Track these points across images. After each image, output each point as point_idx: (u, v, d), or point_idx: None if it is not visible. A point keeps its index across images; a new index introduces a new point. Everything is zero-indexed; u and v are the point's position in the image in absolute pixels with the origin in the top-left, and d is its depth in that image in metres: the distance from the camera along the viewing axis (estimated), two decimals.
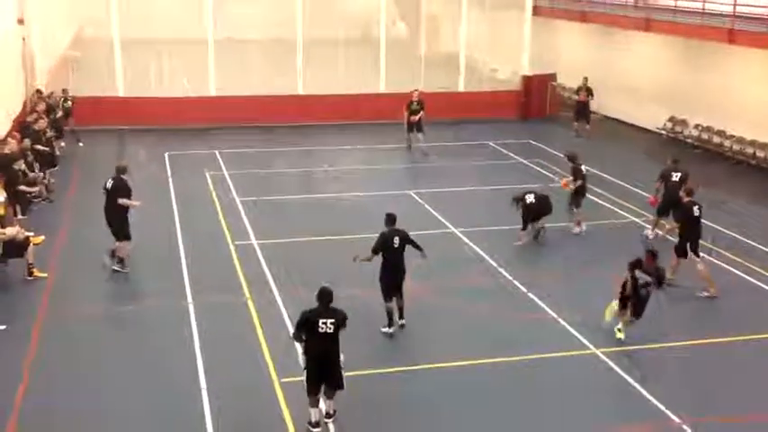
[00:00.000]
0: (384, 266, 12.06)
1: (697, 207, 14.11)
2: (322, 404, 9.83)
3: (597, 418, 10.30)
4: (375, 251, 11.98)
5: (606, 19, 28.39)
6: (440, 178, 21.14)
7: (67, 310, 12.86)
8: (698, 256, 14.03)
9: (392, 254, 12.01)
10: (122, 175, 14.15)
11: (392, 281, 12.08)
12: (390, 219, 12.25)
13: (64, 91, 23.63)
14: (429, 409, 10.35)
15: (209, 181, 20.34)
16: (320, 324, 9.40)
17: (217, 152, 23.16)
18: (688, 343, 12.23)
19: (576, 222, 16.87)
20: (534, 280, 14.11)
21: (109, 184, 14.08)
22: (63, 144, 22.38)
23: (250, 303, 13.23)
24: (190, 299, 13.33)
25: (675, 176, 16.15)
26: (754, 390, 11.05)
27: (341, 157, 23.80)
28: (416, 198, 19.17)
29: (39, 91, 23.57)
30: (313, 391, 9.59)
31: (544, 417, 10.33)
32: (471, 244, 16.08)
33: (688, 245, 13.94)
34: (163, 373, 11.07)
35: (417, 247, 12.29)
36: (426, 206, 18.55)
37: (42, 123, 19.47)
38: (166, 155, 22.81)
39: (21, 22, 24.04)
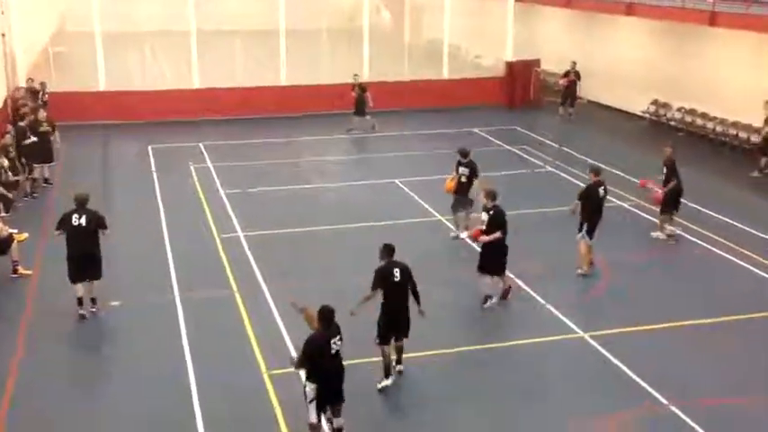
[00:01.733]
0: (384, 305, 10.34)
1: (602, 188, 14.00)
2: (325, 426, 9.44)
3: (586, 402, 10.35)
4: (375, 288, 10.27)
5: (588, 4, 28.40)
6: (426, 166, 21.10)
7: (53, 307, 12.77)
8: (591, 237, 13.93)
9: (393, 290, 10.27)
10: (87, 206, 12.40)
11: (393, 321, 10.39)
12: (388, 250, 10.45)
13: (42, 84, 23.39)
14: (417, 397, 10.38)
15: (194, 174, 20.25)
16: (332, 345, 8.84)
17: (201, 144, 23.05)
18: (675, 324, 12.30)
19: (463, 227, 15.62)
20: (521, 265, 14.10)
21: (82, 220, 12.16)
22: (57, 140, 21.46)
23: (237, 296, 13.19)
24: (176, 293, 13.28)
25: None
26: (741, 371, 11.13)
27: (326, 146, 23.75)
28: (402, 187, 19.16)
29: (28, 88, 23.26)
30: (322, 412, 9.05)
31: (533, 402, 10.37)
32: (458, 231, 16.08)
33: (585, 225, 13.90)
34: (151, 369, 11.02)
35: (415, 292, 10.49)
36: (412, 194, 18.55)
37: (42, 114, 19.01)
38: (150, 148, 22.69)
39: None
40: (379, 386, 10.46)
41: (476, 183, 15.28)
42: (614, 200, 17.89)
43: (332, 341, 8.82)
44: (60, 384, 10.72)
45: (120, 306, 12.83)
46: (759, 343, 12.09)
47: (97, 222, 12.33)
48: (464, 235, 15.45)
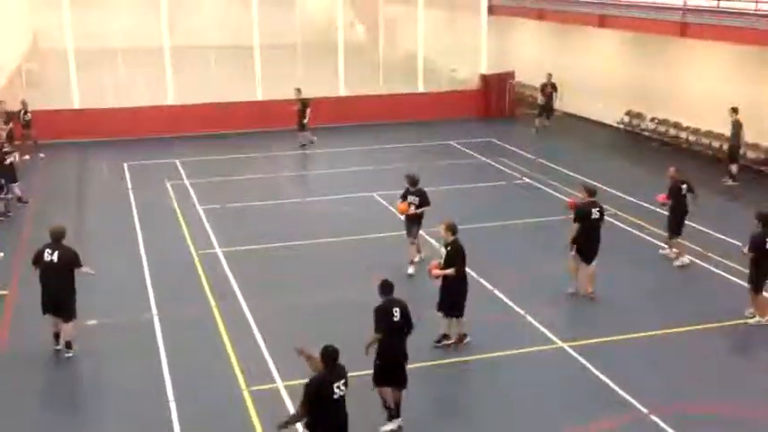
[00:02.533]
0: (380, 346, 9.66)
1: (597, 210, 13.38)
2: None
3: (566, 412, 10.37)
4: (379, 329, 9.60)
5: (561, 17, 28.69)
6: (403, 180, 21.12)
7: (30, 326, 12.58)
8: (588, 263, 13.40)
9: (392, 330, 9.62)
10: (63, 241, 11.65)
11: (390, 367, 9.71)
12: (386, 288, 9.81)
13: (23, 103, 23.19)
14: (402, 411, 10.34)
15: (171, 190, 20.13)
16: (335, 390, 8.09)
17: (177, 161, 22.94)
18: (654, 333, 12.38)
19: (412, 258, 14.80)
20: (499, 277, 14.16)
21: (54, 257, 11.43)
22: (27, 157, 20.70)
23: (216, 313, 13.11)
24: (154, 311, 13.17)
25: (684, 188, 15.07)
26: (721, 378, 11.22)
27: (303, 161, 23.75)
28: (380, 200, 19.16)
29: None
30: None
31: (514, 414, 10.39)
32: (436, 244, 16.09)
33: (573, 246, 13.38)
34: (129, 388, 10.91)
35: (410, 325, 9.88)
36: (390, 208, 18.53)
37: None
38: (126, 165, 22.54)
39: None
40: (382, 430, 9.78)
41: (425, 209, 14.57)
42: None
43: (335, 385, 8.09)
44: (35, 406, 10.59)
45: (96, 325, 12.68)
46: (738, 350, 12.24)
47: (69, 260, 11.51)
48: (411, 271, 14.63)
